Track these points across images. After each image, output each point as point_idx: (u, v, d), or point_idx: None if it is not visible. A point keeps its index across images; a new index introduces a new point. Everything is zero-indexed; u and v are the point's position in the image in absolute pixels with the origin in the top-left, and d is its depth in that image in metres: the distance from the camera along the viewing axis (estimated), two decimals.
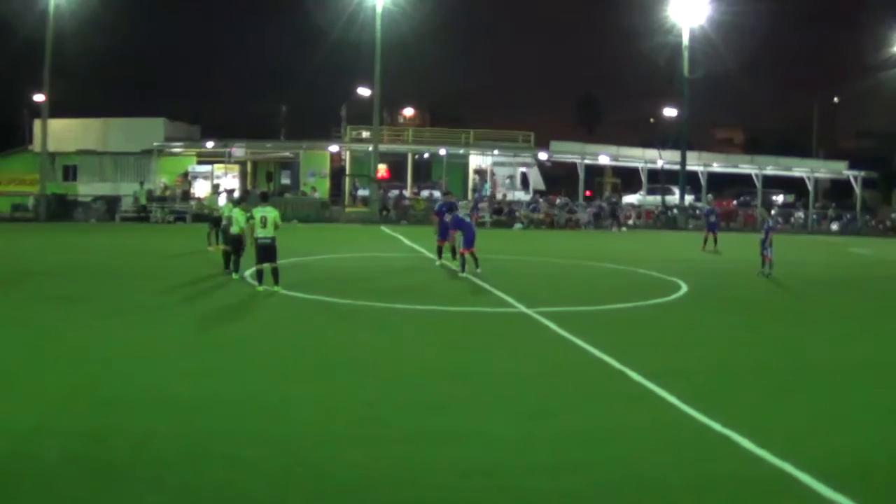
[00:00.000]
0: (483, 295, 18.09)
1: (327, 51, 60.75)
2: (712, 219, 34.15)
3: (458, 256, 21.98)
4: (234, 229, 19.52)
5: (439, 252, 23.57)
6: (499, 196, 55.68)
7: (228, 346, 12.09)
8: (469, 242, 21.04)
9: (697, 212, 53.85)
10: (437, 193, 51.97)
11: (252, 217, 18.02)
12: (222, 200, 25.33)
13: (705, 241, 32.48)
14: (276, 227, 17.65)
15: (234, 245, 19.66)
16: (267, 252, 17.57)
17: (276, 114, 76.27)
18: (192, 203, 46.91)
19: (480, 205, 49.36)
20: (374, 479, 6.79)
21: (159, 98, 70.35)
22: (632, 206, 57.93)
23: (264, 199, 18.67)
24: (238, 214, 19.53)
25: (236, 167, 54.83)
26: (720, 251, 31.46)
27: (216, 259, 21.47)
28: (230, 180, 51.88)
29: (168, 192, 49.74)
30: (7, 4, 48.64)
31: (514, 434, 8.08)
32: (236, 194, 26.50)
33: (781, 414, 9.08)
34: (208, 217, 28.57)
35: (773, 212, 50.20)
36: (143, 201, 46.95)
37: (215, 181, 47.84)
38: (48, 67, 47.94)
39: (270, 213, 17.72)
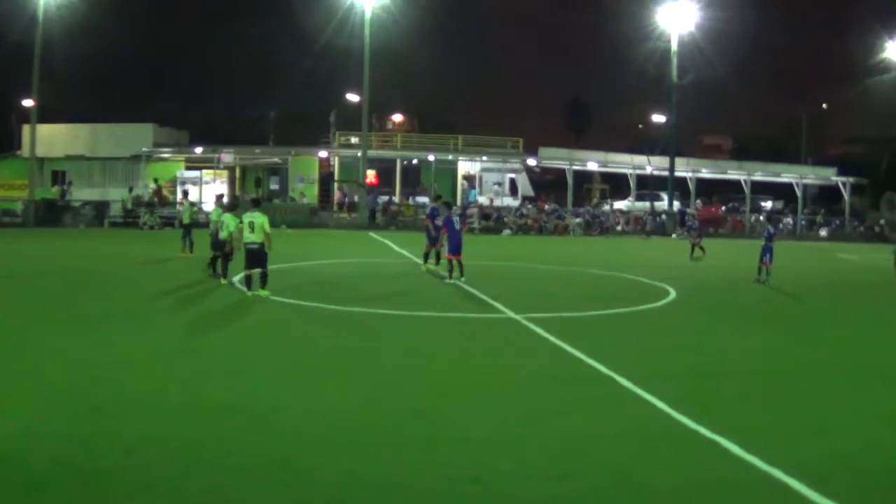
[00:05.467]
0: (472, 301, 18.09)
1: (316, 56, 60.99)
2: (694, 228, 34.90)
3: (442, 261, 22.04)
4: (222, 234, 19.53)
5: (425, 257, 23.60)
6: (486, 202, 55.74)
7: (217, 352, 12.05)
8: (455, 249, 21.05)
9: (687, 220, 54.16)
10: (422, 199, 52.28)
11: (241, 222, 18.02)
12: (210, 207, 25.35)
13: (698, 248, 32.77)
14: (264, 232, 17.60)
15: (221, 250, 19.66)
16: (254, 257, 17.56)
17: (264, 119, 76.14)
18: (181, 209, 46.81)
19: (468, 211, 49.50)
20: (362, 485, 6.78)
21: (148, 103, 70.30)
22: (620, 211, 58.07)
23: (256, 204, 18.66)
24: (229, 220, 19.55)
25: (225, 173, 54.72)
26: (699, 258, 31.71)
27: (204, 264, 21.37)
28: (218, 186, 51.84)
29: (156, 199, 49.59)
30: None
31: (502, 440, 8.08)
32: (225, 199, 26.47)
33: (770, 419, 9.09)
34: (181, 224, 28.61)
35: (761, 218, 50.56)
36: (129, 206, 46.75)
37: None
38: (37, 73, 47.80)
39: (258, 218, 17.69)
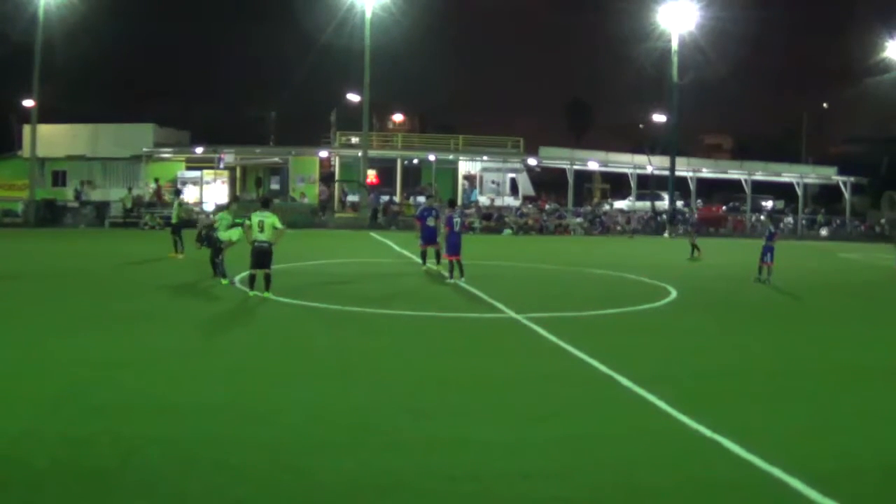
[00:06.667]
0: (473, 301, 18.09)
1: (317, 56, 60.96)
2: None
3: (443, 261, 22.12)
4: (221, 234, 19.62)
5: (423, 257, 23.64)
6: (487, 202, 55.81)
7: (218, 352, 12.06)
8: (453, 249, 21.04)
9: (686, 216, 54.19)
10: (423, 199, 52.29)
11: (249, 220, 17.94)
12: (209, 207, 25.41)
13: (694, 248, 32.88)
14: (275, 229, 17.60)
15: (211, 247, 19.85)
16: (261, 256, 17.50)
17: (265, 119, 76.13)
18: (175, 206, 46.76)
19: (467, 211, 49.51)
20: (363, 485, 6.78)
21: (148, 103, 70.30)
22: (621, 211, 58.09)
23: (265, 204, 18.65)
24: (222, 218, 19.78)
25: (225, 173, 54.75)
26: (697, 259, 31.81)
27: (205, 264, 21.34)
28: (219, 186, 51.93)
29: (157, 199, 49.61)
30: None
31: (503, 440, 8.07)
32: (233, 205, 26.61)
33: (770, 418, 9.09)
34: (171, 224, 28.61)
35: (762, 217, 50.62)
36: (128, 205, 46.74)
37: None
38: (37, 73, 47.81)
39: (268, 217, 17.67)
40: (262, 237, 17.53)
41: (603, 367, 11.22)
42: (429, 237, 23.00)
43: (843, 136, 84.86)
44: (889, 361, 12.83)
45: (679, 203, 57.77)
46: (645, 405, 9.44)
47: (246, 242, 18.10)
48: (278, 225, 17.72)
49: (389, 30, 51.57)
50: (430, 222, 22.80)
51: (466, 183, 59.19)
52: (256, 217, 17.74)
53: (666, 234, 51.08)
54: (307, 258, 26.25)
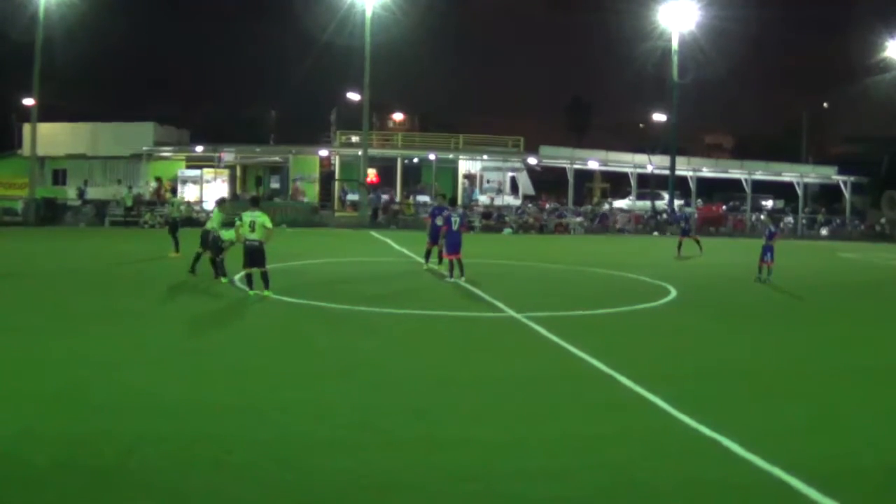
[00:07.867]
0: (473, 300, 18.08)
1: (317, 55, 61.01)
2: (682, 224, 34.95)
3: (444, 260, 22.13)
4: (223, 235, 19.70)
5: (427, 256, 23.63)
6: (487, 201, 55.82)
7: (217, 351, 12.04)
8: (452, 248, 21.05)
9: (676, 215, 54.29)
10: (423, 198, 52.29)
11: (241, 220, 18.07)
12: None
13: (679, 246, 32.80)
14: (265, 228, 17.66)
15: (211, 248, 19.94)
16: (254, 255, 17.57)
17: (265, 118, 76.15)
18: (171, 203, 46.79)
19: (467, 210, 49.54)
20: (363, 484, 6.78)
21: (149, 102, 70.38)
22: (621, 210, 58.08)
23: (255, 203, 18.74)
24: (215, 216, 19.96)
25: (226, 172, 54.77)
26: (698, 255, 31.83)
27: (204, 263, 21.30)
28: (219, 185, 51.91)
29: (157, 198, 49.62)
30: None
31: (503, 439, 8.07)
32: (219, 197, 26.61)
33: (771, 418, 9.09)
34: (168, 221, 28.75)
35: (762, 216, 50.64)
36: (128, 204, 46.71)
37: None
38: (37, 72, 47.75)
39: (259, 217, 17.75)
40: (254, 236, 17.63)
41: (603, 367, 11.22)
42: (436, 236, 23.00)
43: (843, 136, 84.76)
44: (889, 361, 12.82)
45: (679, 203, 57.70)
46: (645, 405, 9.44)
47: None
48: (268, 224, 17.84)
49: (389, 29, 51.58)
50: (440, 221, 22.75)
51: (467, 182, 59.19)
52: (248, 217, 17.84)
53: (655, 234, 51.13)
54: (307, 257, 26.24)
